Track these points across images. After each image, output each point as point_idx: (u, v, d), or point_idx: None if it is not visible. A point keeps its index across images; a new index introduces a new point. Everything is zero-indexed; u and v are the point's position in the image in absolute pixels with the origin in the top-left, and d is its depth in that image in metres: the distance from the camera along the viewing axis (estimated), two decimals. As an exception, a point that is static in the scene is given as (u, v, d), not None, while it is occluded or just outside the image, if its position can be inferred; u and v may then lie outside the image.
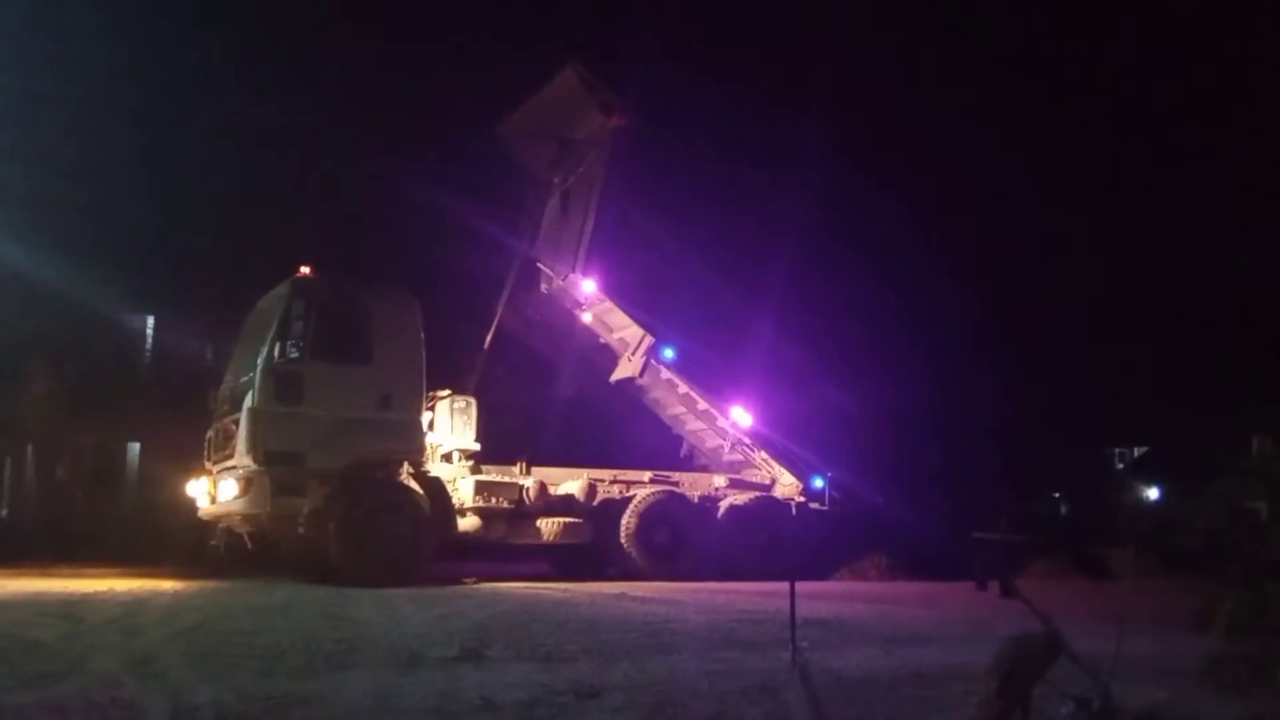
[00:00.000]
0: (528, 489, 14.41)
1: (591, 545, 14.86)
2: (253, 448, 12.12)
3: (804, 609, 4.87)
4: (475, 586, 12.60)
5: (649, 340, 16.44)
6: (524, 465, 14.86)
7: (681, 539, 15.00)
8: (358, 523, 12.37)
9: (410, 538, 12.66)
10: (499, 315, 16.77)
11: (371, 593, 10.79)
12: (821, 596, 11.79)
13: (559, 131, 17.20)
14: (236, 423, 12.46)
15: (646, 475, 15.63)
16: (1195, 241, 27.84)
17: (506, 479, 14.51)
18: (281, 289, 13.04)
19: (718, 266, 18.69)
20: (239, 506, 12.36)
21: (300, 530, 12.39)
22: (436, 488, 13.42)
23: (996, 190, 28.29)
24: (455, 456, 14.32)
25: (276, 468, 12.15)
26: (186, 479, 13.88)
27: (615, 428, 17.96)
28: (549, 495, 14.59)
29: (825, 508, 16.18)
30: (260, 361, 12.42)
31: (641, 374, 16.58)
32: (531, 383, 18.29)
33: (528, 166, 18.02)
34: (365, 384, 12.79)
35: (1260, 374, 23.11)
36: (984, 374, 25.55)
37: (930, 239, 26.59)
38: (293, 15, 21.78)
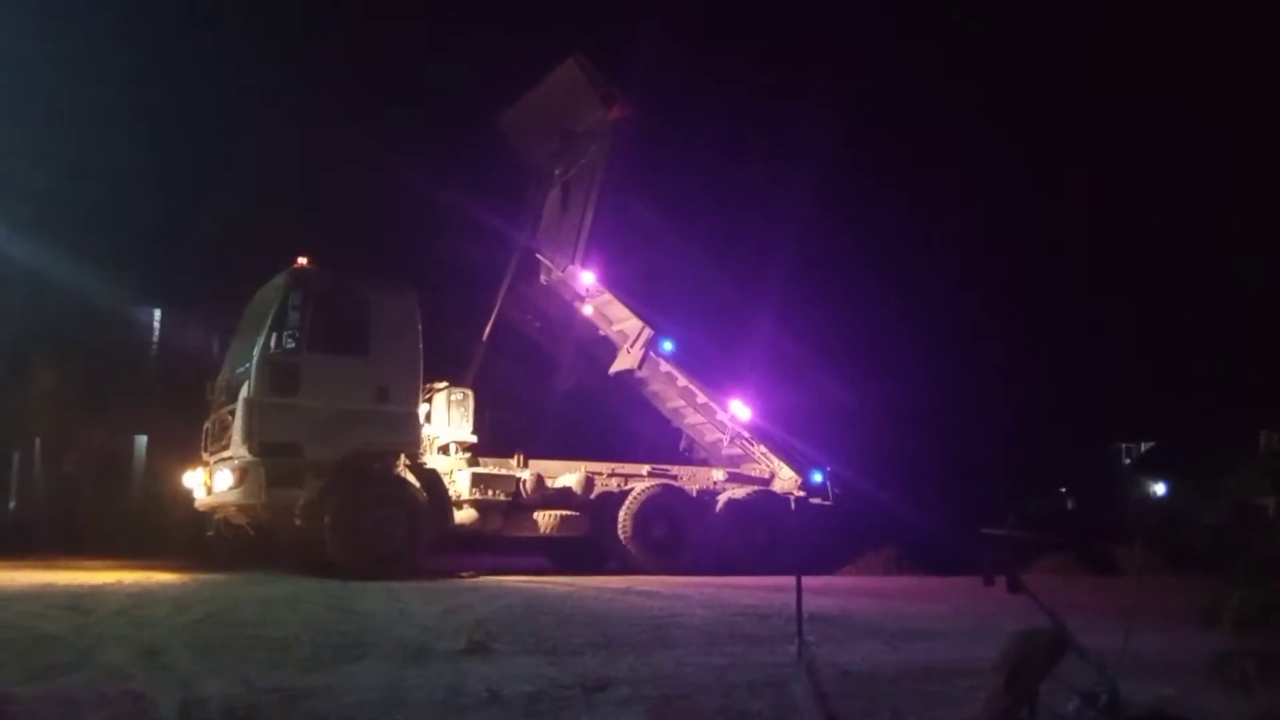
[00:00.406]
0: (524, 481, 14.41)
1: (589, 538, 14.84)
2: (248, 438, 12.11)
3: (809, 604, 4.88)
4: (481, 580, 12.59)
5: (648, 333, 16.41)
6: (521, 458, 14.87)
7: (679, 533, 14.99)
8: (354, 515, 12.35)
9: (406, 530, 12.65)
10: (498, 307, 16.74)
11: (378, 586, 10.81)
12: (827, 591, 11.80)
13: (560, 124, 17.19)
14: (233, 414, 12.46)
15: (645, 469, 15.65)
16: (1204, 237, 27.76)
17: (503, 471, 14.50)
18: (279, 280, 13.04)
19: (718, 260, 18.66)
20: (234, 497, 12.34)
21: (297, 522, 12.37)
22: (433, 480, 13.40)
23: (1002, 185, 28.21)
24: (452, 448, 14.30)
25: (272, 459, 12.13)
26: (188, 471, 13.89)
27: (615, 421, 17.92)
28: (546, 488, 14.60)
29: (828, 502, 16.15)
30: (256, 352, 12.41)
31: (640, 366, 16.55)
32: (531, 375, 18.28)
33: (529, 159, 18.03)
34: (362, 375, 12.79)
35: (1268, 370, 23.03)
36: (990, 369, 25.52)
37: (934, 233, 26.53)
38: (294, 7, 21.76)
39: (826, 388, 19.11)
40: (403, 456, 13.16)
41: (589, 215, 16.85)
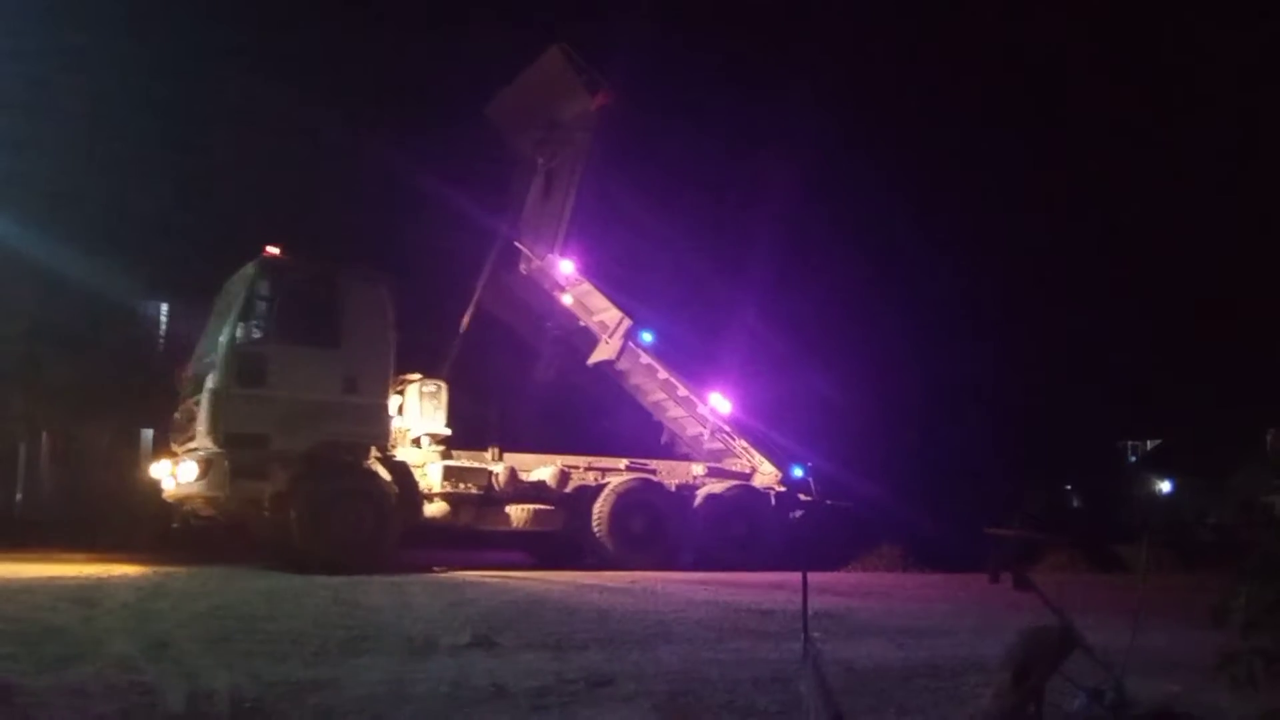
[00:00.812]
0: (497, 475, 14.26)
1: (564, 533, 14.70)
2: (213, 429, 11.99)
3: (815, 601, 4.89)
4: (483, 576, 12.54)
5: (627, 323, 16.32)
6: (496, 451, 14.72)
7: (656, 527, 14.85)
8: (320, 507, 12.22)
9: (375, 523, 12.51)
10: (477, 297, 16.65)
11: (382, 580, 10.82)
12: (832, 588, 11.80)
13: (546, 112, 17.14)
14: (199, 404, 12.31)
15: (623, 463, 15.49)
16: (1211, 232, 27.70)
17: (475, 465, 14.33)
18: (248, 269, 12.86)
19: (701, 250, 18.61)
20: (198, 489, 12.20)
21: (265, 514, 12.26)
22: (403, 472, 13.26)
23: (1005, 177, 28.07)
24: (425, 441, 14.14)
25: (237, 450, 12.00)
26: (155, 462, 13.71)
27: (597, 415, 17.84)
28: (520, 481, 14.42)
29: (809, 498, 16.01)
30: (222, 342, 12.27)
31: (618, 357, 16.45)
32: (510, 368, 18.18)
33: (517, 148, 17.94)
34: (330, 366, 12.65)
35: (1275, 367, 22.98)
36: (995, 366, 25.50)
37: (936, 225, 26.43)
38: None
39: (816, 382, 19.09)
40: (373, 449, 12.99)
41: (570, 203, 16.83)
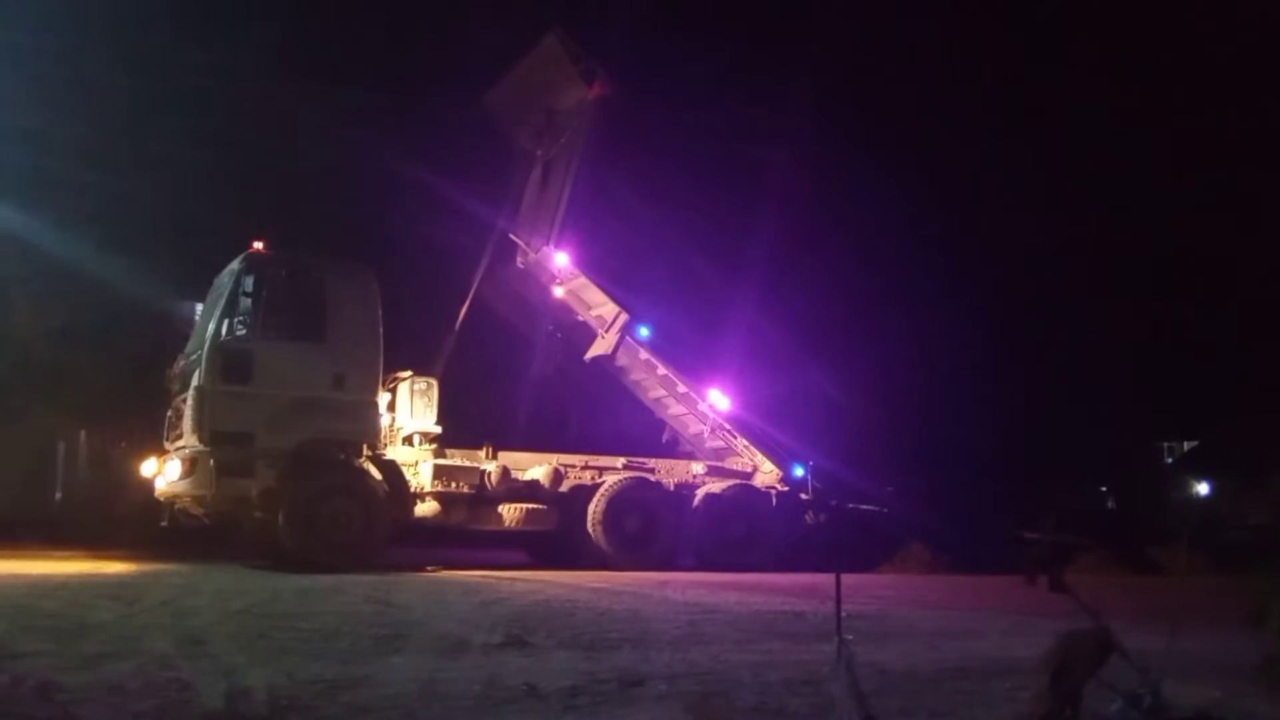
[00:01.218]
0: (489, 474, 14.12)
1: (558, 532, 14.56)
2: (198, 427, 11.93)
3: (846, 602, 4.86)
4: (516, 575, 12.58)
5: (623, 317, 16.12)
6: (490, 449, 14.60)
7: (652, 527, 14.70)
8: (307, 505, 12.16)
9: (363, 522, 12.41)
10: (474, 291, 16.51)
11: (415, 578, 10.88)
12: (863, 590, 11.74)
13: (543, 102, 17.03)
14: (186, 401, 12.30)
15: (620, 461, 15.34)
16: (1250, 233, 27.26)
17: (468, 463, 14.22)
18: (234, 265, 12.78)
19: (701, 243, 18.40)
20: (184, 488, 12.17)
21: (257, 514, 12.22)
22: (392, 471, 13.15)
23: (1038, 167, 27.64)
24: (416, 439, 14.05)
25: (222, 448, 11.92)
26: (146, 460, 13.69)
27: (598, 413, 17.65)
28: (512, 480, 14.29)
29: (809, 497, 15.83)
30: (208, 339, 12.24)
31: (615, 351, 16.26)
32: (508, 364, 18.00)
33: (516, 140, 17.80)
34: (318, 363, 12.56)
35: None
36: (1030, 366, 25.27)
37: (958, 217, 26.07)
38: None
39: (830, 380, 18.84)
40: (364, 447, 12.90)
41: (565, 195, 16.61)
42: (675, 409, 16.97)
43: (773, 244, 20.90)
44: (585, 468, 15.07)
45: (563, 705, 4.72)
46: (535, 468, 14.66)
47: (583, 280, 16.58)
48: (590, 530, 14.48)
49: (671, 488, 15.25)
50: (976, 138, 26.69)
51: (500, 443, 14.87)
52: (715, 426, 16.49)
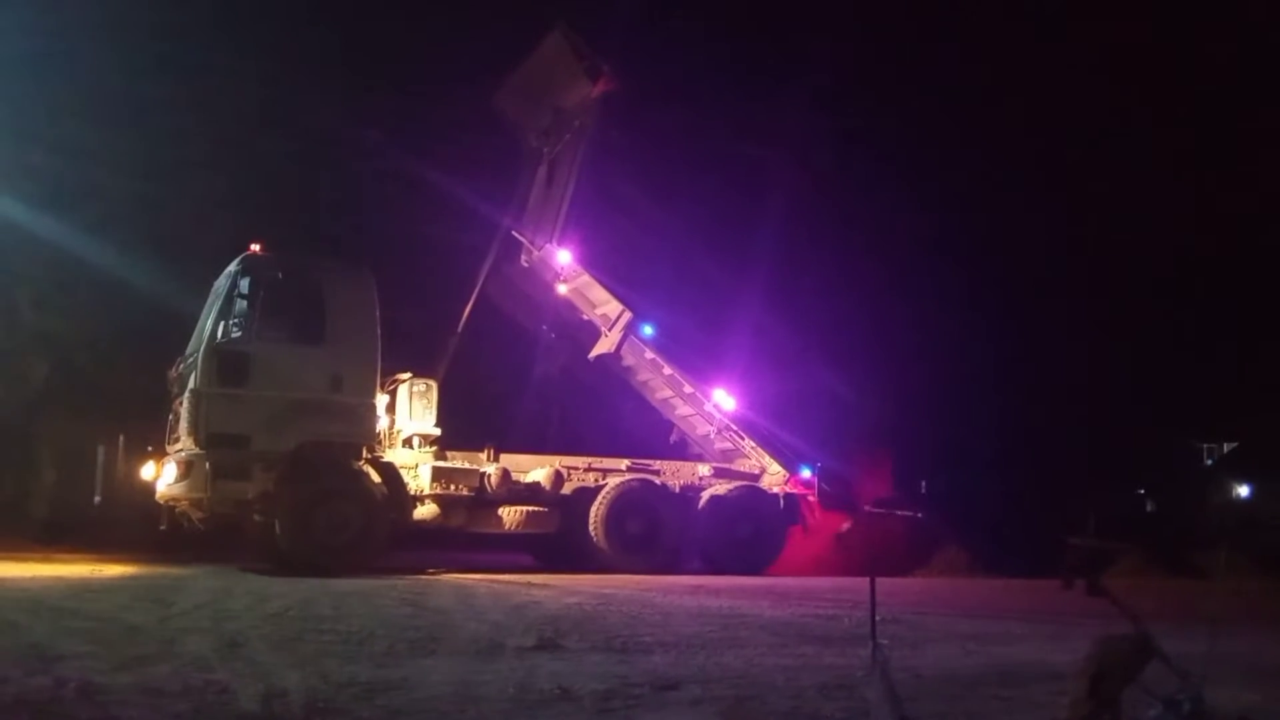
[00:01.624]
0: (489, 476, 13.98)
1: (560, 535, 14.43)
2: (194, 430, 11.87)
3: (881, 606, 4.82)
4: (549, 579, 12.57)
5: (627, 315, 16.01)
6: (492, 451, 14.48)
7: (655, 530, 14.54)
8: (304, 508, 12.09)
9: (361, 525, 12.33)
10: (478, 291, 16.43)
11: (449, 581, 10.91)
12: (899, 593, 11.67)
13: (549, 100, 16.95)
14: (184, 404, 12.26)
15: (624, 463, 15.14)
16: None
17: (466, 465, 14.12)
18: (231, 267, 12.73)
19: (706, 241, 18.22)
20: (180, 491, 12.13)
21: (257, 517, 12.19)
22: (391, 473, 13.08)
23: (1048, 158, 27.22)
24: (415, 441, 13.94)
25: (218, 451, 11.86)
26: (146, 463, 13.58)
27: (606, 414, 17.51)
28: (513, 483, 14.15)
29: (813, 497, 15.71)
30: (204, 341, 12.21)
31: (618, 349, 16.14)
32: (512, 365, 17.90)
33: (523, 140, 17.74)
34: (315, 365, 12.45)
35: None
36: (1068, 366, 25.00)
37: (984, 214, 25.72)
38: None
39: (853, 381, 18.62)
40: (363, 449, 12.81)
41: (569, 192, 16.56)
42: (683, 410, 16.84)
43: (779, 241, 20.73)
44: (589, 470, 14.91)
45: (596, 709, 4.73)
46: (536, 470, 14.48)
47: (586, 278, 16.51)
48: (592, 533, 14.33)
49: (677, 490, 15.10)
50: (998, 127, 26.44)
51: (503, 444, 14.80)
52: (722, 427, 16.37)
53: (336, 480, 12.50)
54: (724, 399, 16.27)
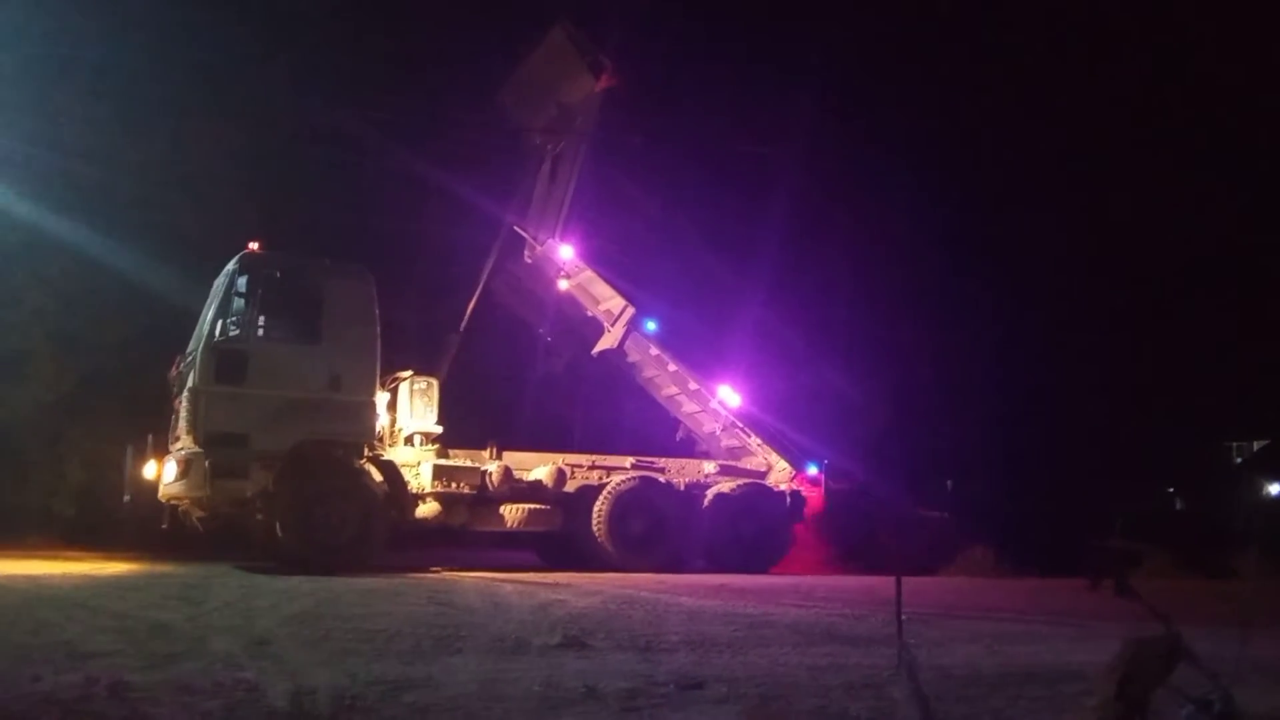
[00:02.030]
0: (490, 474, 13.97)
1: (563, 533, 14.40)
2: (193, 429, 11.90)
3: (908, 606, 4.81)
4: (573, 577, 12.58)
5: (630, 311, 15.98)
6: (494, 449, 14.45)
7: (659, 528, 14.48)
8: (303, 507, 12.10)
9: (360, 523, 12.35)
10: (481, 289, 16.47)
11: (474, 579, 10.95)
12: (925, 592, 11.62)
13: (553, 96, 16.99)
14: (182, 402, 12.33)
15: (628, 461, 15.10)
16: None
17: (469, 463, 14.10)
18: (230, 265, 12.78)
19: (710, 236, 18.13)
20: (179, 489, 12.18)
21: (259, 516, 12.22)
22: (391, 472, 13.08)
23: (1060, 154, 26.95)
24: (416, 439, 13.95)
25: (216, 449, 11.87)
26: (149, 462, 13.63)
27: (611, 412, 17.52)
28: (515, 481, 14.13)
29: (818, 494, 15.72)
30: (203, 340, 12.26)
31: (621, 345, 16.10)
32: (517, 362, 17.91)
33: (527, 137, 17.81)
34: (313, 364, 12.46)
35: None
36: (1097, 365, 24.80)
37: (1005, 210, 25.48)
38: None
39: (860, 380, 18.47)
40: (363, 448, 12.83)
41: (571, 187, 16.54)
42: (689, 407, 16.78)
43: (784, 237, 20.65)
44: (593, 467, 14.86)
45: (621, 707, 4.73)
46: (539, 468, 14.46)
47: (589, 273, 16.49)
48: (595, 531, 14.29)
49: (681, 488, 15.01)
50: (1012, 122, 26.25)
51: (507, 442, 14.76)
52: (728, 424, 16.29)
53: (336, 479, 12.50)
54: (729, 395, 16.23)
